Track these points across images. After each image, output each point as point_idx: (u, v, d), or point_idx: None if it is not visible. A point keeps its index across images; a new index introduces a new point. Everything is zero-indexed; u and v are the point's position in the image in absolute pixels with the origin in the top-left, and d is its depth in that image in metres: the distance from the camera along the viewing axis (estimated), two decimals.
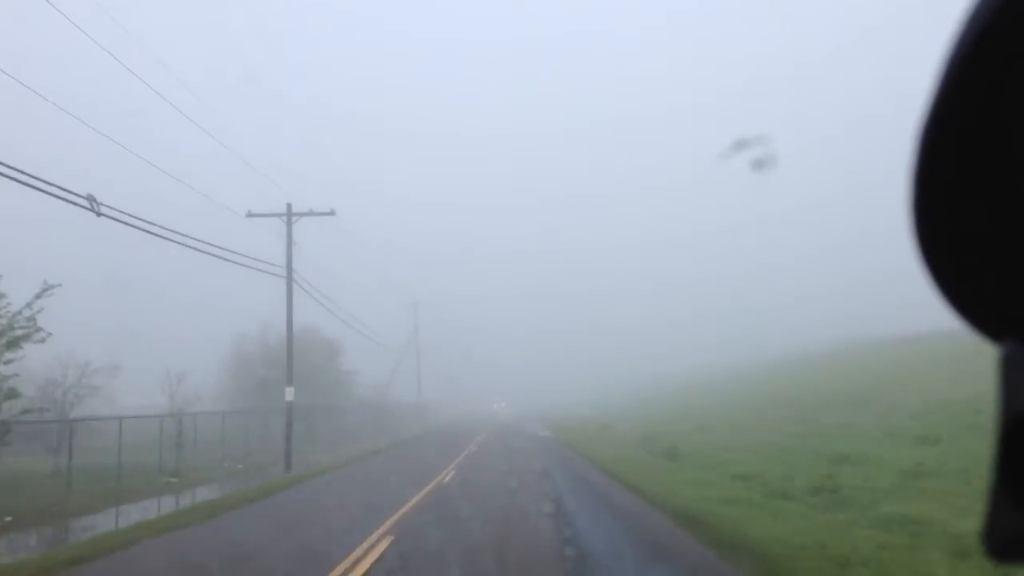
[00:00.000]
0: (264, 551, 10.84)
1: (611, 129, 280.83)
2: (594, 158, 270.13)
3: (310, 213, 30.01)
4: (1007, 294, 0.77)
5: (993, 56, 0.69)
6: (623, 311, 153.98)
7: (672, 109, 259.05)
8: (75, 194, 16.57)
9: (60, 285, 20.26)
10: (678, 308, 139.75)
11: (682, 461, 21.33)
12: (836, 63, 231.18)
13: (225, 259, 26.64)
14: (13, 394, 19.16)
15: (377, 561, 9.47)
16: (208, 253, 25.75)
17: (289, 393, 29.19)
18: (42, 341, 19.98)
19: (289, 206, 29.74)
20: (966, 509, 10.14)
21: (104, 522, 16.88)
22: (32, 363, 22.81)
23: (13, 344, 19.18)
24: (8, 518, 16.04)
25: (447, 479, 19.57)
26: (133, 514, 17.57)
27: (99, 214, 17.09)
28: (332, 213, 30.34)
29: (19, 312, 19.53)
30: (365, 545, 10.44)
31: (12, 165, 14.66)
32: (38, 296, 19.89)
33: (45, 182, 15.51)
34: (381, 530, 11.68)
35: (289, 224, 29.60)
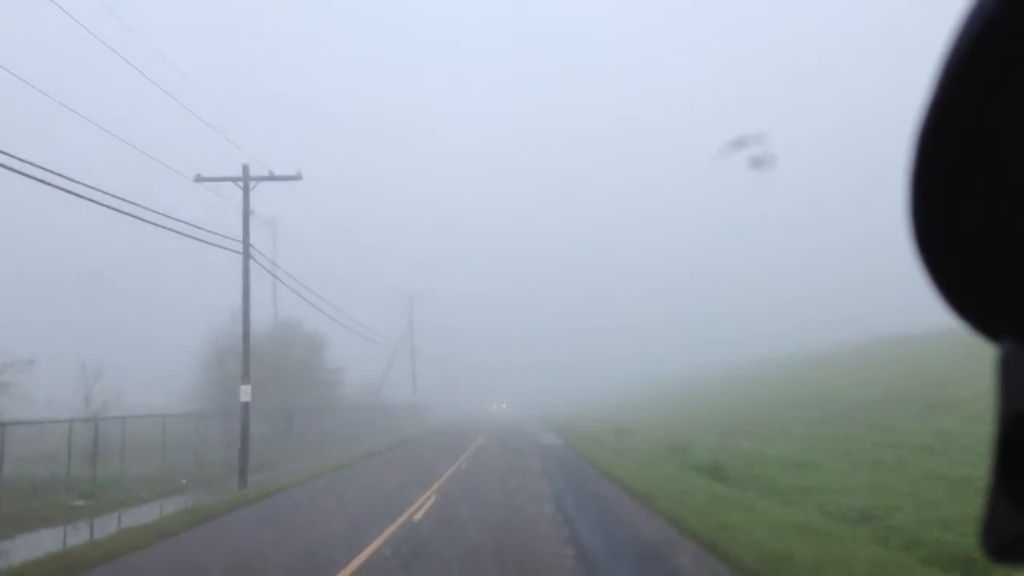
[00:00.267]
0: None
1: (611, 129, 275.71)
2: (594, 158, 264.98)
3: (271, 177, 24.40)
4: (1005, 294, 0.75)
5: (991, 56, 0.68)
6: (623, 311, 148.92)
7: (672, 109, 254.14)
8: None
9: None
10: (678, 308, 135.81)
11: (738, 484, 15.66)
12: (836, 63, 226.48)
13: (171, 229, 21.21)
14: None
15: None
16: (152, 223, 20.44)
17: (245, 392, 23.53)
18: None
19: (246, 168, 24.14)
20: None
21: None
22: None
23: None
24: None
25: (418, 516, 13.94)
26: None
27: None
28: (298, 177, 24.71)
29: None
30: None
31: None
32: None
33: None
34: None
35: (246, 189, 23.99)
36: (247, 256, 23.77)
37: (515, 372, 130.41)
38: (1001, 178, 0.72)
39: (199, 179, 24.25)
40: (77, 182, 16.82)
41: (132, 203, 19.42)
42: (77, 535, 14.73)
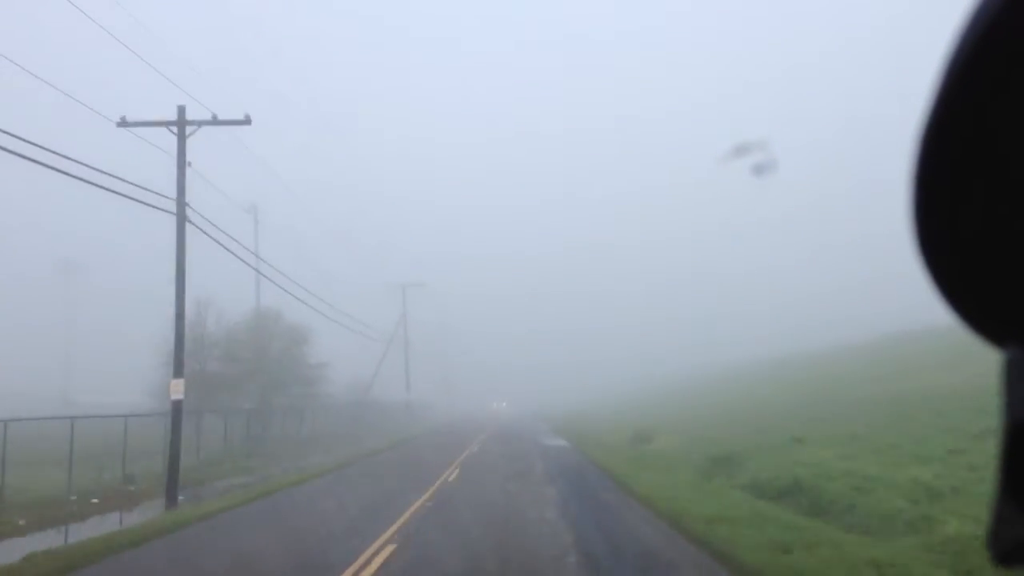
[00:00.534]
0: None
1: (611, 130, 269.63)
2: (594, 159, 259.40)
3: (214, 121, 19.15)
4: (1009, 299, 0.72)
5: (995, 58, 0.66)
6: (623, 311, 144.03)
7: (672, 110, 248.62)
8: None
9: None
10: (678, 308, 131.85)
11: (857, 524, 10.27)
12: (836, 63, 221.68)
13: (89, 181, 16.19)
14: None
15: None
16: (65, 172, 15.58)
17: (176, 388, 18.25)
18: None
19: (181, 110, 18.91)
20: None
21: None
22: None
23: None
24: None
25: (377, 561, 8.71)
26: None
27: None
28: (246, 121, 19.48)
29: None
30: None
31: None
32: None
33: None
34: None
35: (181, 135, 18.76)
36: (182, 217, 18.50)
37: (515, 372, 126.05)
38: (1005, 182, 0.69)
39: (123, 124, 19.03)
40: None
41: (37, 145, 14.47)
42: None
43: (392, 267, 71.96)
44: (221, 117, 19.17)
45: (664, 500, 13.32)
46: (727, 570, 7.98)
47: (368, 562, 8.84)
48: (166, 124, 18.90)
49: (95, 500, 17.52)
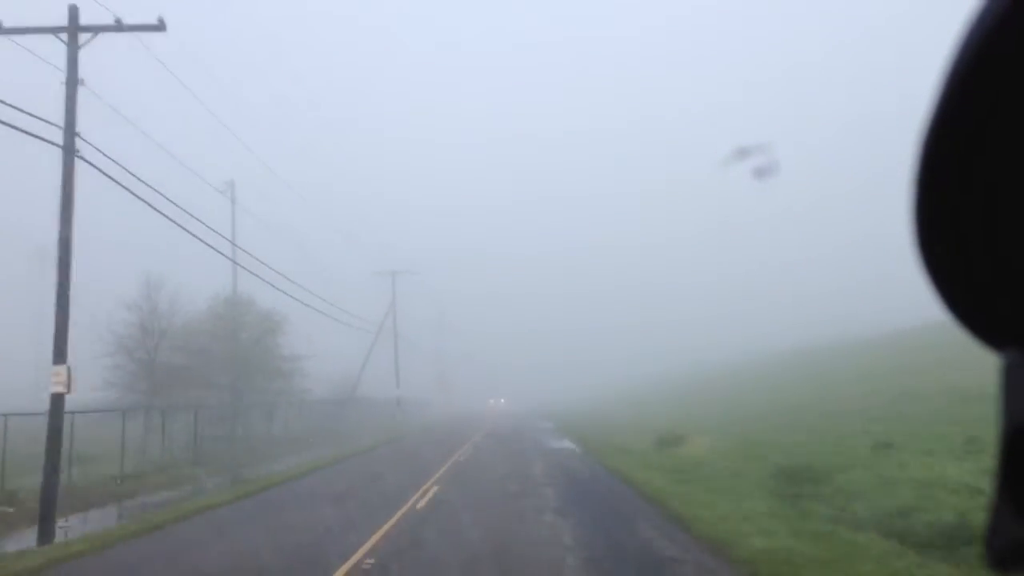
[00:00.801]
0: None
1: (611, 130, 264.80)
2: (594, 159, 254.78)
3: (117, 27, 14.15)
4: (1010, 302, 0.71)
5: (999, 60, 0.64)
6: (623, 311, 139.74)
7: (672, 110, 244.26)
8: None
9: None
10: (678, 308, 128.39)
11: None
12: (836, 63, 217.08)
13: None
14: None
15: None
16: None
17: (57, 379, 13.23)
18: None
19: (73, 9, 13.94)
20: None
21: None
22: None
23: None
24: None
25: None
26: None
27: None
28: (161, 27, 14.49)
29: None
30: None
31: None
32: None
33: None
34: None
35: (73, 43, 13.80)
36: (70, 150, 13.51)
37: (515, 371, 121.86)
38: (1008, 184, 0.67)
39: (1, 31, 14.09)
40: None
41: None
42: None
43: (392, 266, 67.37)
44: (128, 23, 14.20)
45: (749, 550, 8.30)
46: None
47: None
48: (53, 31, 13.96)
49: None
